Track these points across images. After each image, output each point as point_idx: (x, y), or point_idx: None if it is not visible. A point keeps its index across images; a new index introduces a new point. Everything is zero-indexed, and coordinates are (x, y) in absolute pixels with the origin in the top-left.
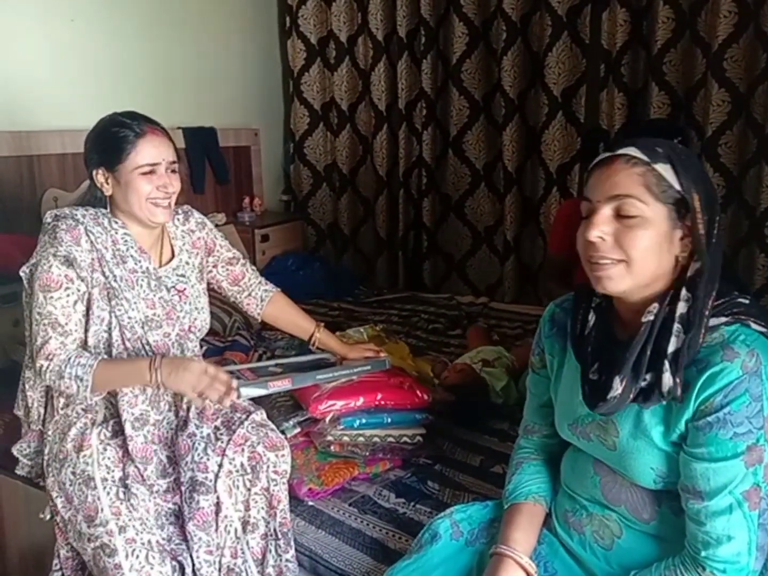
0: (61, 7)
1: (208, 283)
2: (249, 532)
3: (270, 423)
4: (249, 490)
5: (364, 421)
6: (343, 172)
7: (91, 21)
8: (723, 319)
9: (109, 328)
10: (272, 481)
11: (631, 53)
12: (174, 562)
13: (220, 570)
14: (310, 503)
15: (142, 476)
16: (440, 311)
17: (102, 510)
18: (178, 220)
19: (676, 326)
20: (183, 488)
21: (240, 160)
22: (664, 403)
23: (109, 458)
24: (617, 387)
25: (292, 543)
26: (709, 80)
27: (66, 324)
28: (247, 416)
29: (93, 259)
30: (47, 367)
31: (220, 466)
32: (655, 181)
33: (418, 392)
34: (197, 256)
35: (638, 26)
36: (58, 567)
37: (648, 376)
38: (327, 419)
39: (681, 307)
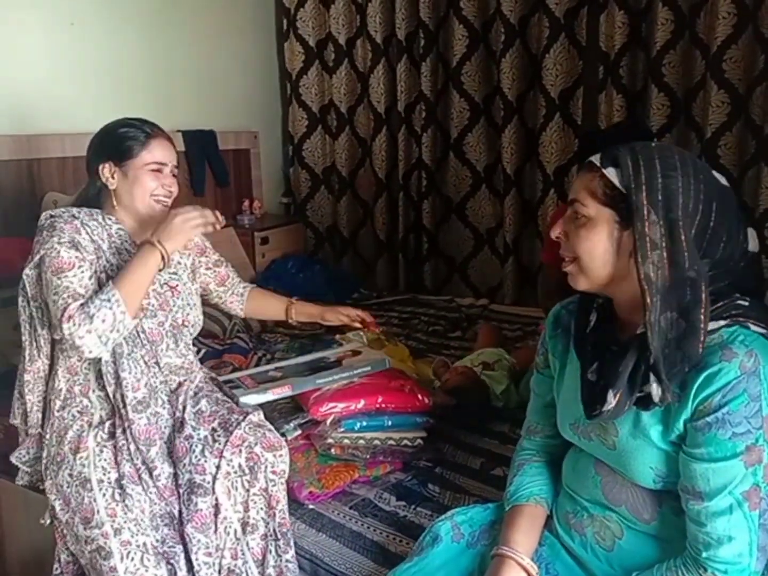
0: (60, 11)
1: None
2: (249, 533)
3: (267, 423)
4: (248, 491)
5: (364, 423)
6: (342, 174)
7: (90, 25)
8: (722, 322)
9: None
10: (270, 481)
11: (629, 55)
12: (168, 565)
13: (220, 572)
14: (311, 506)
15: (139, 476)
16: (440, 313)
17: (98, 512)
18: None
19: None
20: (181, 490)
21: (240, 162)
22: None
23: (105, 460)
24: (611, 401)
25: (292, 543)
26: (708, 82)
27: (85, 294)
28: (244, 417)
29: (93, 248)
30: (75, 325)
31: (218, 467)
32: (600, 185)
33: (419, 395)
34: (189, 257)
35: (637, 28)
36: (58, 571)
37: (645, 387)
38: (328, 421)
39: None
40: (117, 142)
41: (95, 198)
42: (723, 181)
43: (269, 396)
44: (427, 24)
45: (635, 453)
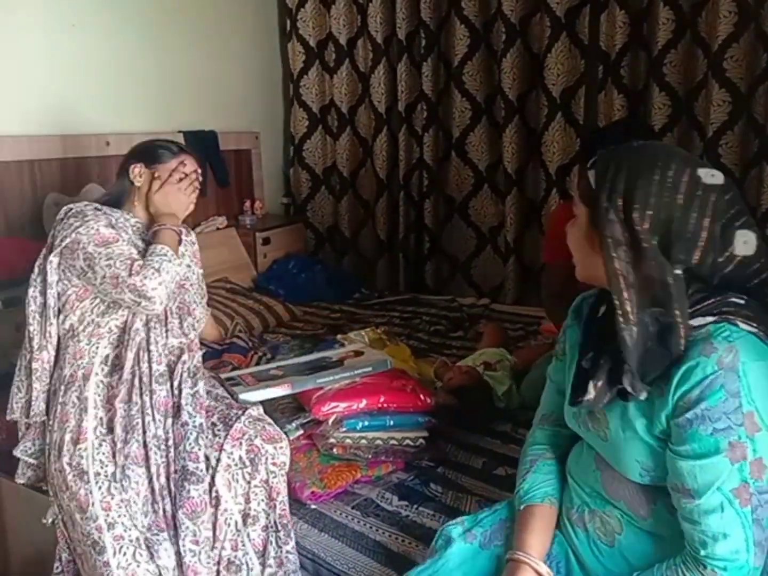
0: (61, 12)
1: None
2: (250, 524)
3: (267, 417)
4: (249, 482)
5: (366, 423)
6: (343, 174)
7: (92, 26)
8: (710, 319)
9: None
10: (271, 473)
11: (630, 54)
12: (149, 553)
13: (219, 563)
14: (313, 506)
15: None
16: (442, 313)
17: (92, 504)
18: (182, 231)
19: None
20: (175, 476)
21: (241, 163)
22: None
23: (103, 453)
24: (591, 391)
25: (292, 534)
26: (710, 81)
27: (137, 258)
28: (244, 411)
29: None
30: (147, 278)
31: (219, 460)
32: (583, 185)
33: (421, 395)
34: (196, 264)
35: (638, 28)
36: (59, 570)
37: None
38: (330, 421)
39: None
40: (152, 149)
41: (116, 199)
42: (717, 180)
43: (269, 393)
44: (428, 24)
45: (624, 445)
